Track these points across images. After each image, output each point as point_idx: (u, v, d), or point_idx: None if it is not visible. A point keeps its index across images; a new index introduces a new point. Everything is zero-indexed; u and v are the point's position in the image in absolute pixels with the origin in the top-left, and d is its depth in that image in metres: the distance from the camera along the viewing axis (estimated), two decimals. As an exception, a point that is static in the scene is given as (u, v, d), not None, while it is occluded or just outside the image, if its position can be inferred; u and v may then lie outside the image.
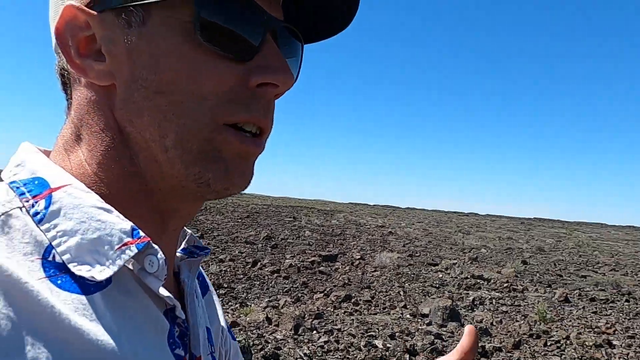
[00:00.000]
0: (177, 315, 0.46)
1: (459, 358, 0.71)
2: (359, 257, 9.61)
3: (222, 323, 0.68)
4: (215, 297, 0.68)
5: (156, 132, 0.43)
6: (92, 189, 0.43)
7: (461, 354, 0.72)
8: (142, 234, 0.42)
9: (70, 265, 0.39)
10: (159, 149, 0.44)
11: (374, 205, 50.36)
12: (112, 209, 0.42)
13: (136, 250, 0.41)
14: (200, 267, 0.65)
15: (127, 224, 0.42)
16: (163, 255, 0.43)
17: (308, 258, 8.93)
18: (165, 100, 0.42)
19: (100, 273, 0.39)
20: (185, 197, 0.47)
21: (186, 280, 0.54)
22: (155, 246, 0.43)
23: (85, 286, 0.39)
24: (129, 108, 0.43)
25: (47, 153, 0.49)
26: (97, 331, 0.37)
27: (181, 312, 0.46)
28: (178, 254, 0.56)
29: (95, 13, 0.42)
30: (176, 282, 0.54)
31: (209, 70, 0.43)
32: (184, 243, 0.59)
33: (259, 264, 8.21)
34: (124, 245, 0.41)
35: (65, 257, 0.39)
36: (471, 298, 6.71)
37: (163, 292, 0.44)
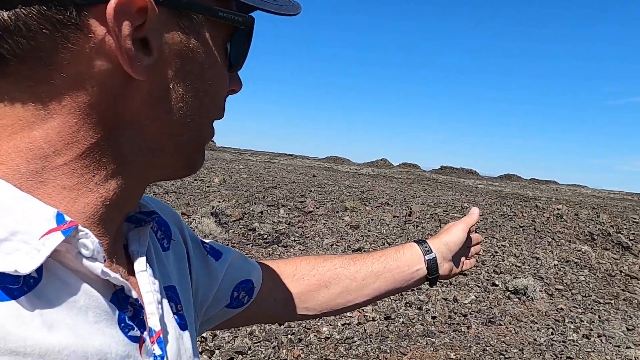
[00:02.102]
0: (127, 294, 0.44)
1: (466, 228, 0.93)
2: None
3: (194, 259, 0.67)
4: (180, 237, 0.66)
5: (178, 129, 0.46)
6: (14, 178, 0.39)
7: (469, 225, 0.94)
8: (67, 218, 0.39)
9: None
10: (171, 142, 0.47)
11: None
12: (30, 195, 0.39)
13: (63, 237, 0.38)
14: (176, 219, 0.67)
15: (50, 211, 0.39)
16: (95, 238, 0.40)
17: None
18: (197, 104, 0.46)
19: (24, 266, 0.35)
20: (151, 182, 0.51)
21: (135, 252, 0.51)
22: (85, 229, 0.40)
23: (10, 291, 0.35)
24: (157, 105, 0.44)
25: None
26: (33, 336, 0.35)
27: (131, 290, 0.44)
28: (125, 225, 0.53)
29: (154, 5, 0.40)
30: (127, 255, 0.51)
31: (226, 82, 0.50)
32: None
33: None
34: (49, 232, 0.37)
35: None
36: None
37: (107, 273, 0.41)
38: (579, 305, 5.41)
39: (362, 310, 4.44)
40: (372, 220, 8.64)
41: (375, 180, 18.65)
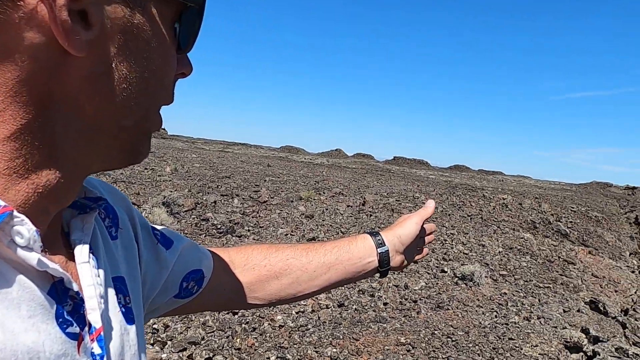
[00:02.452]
0: (67, 287, 0.41)
1: (420, 221, 0.94)
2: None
3: (142, 248, 0.64)
4: (130, 224, 0.62)
5: (122, 111, 0.43)
6: None
7: (423, 218, 0.95)
8: (1, 202, 0.35)
9: None
10: (113, 126, 0.43)
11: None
12: None
13: None
14: (127, 207, 0.63)
15: None
16: (32, 225, 0.37)
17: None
18: (144, 85, 0.43)
19: None
20: (93, 172, 0.47)
21: (77, 241, 0.47)
22: (21, 215, 0.36)
23: None
24: (98, 85, 0.40)
25: None
26: None
27: (71, 282, 0.41)
28: (67, 211, 0.49)
29: None
30: (69, 244, 0.47)
31: (173, 63, 0.47)
32: None
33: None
34: None
35: None
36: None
37: (44, 264, 0.38)
38: (521, 289, 5.71)
39: (316, 298, 4.49)
40: (327, 209, 8.72)
41: (329, 170, 18.78)
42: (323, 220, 7.81)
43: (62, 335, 0.39)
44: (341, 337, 3.80)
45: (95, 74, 0.39)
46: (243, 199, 8.87)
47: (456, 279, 5.63)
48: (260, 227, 7.03)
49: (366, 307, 4.49)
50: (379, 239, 0.89)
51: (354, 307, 4.46)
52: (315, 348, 3.59)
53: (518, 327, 4.47)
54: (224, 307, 0.89)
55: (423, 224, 0.95)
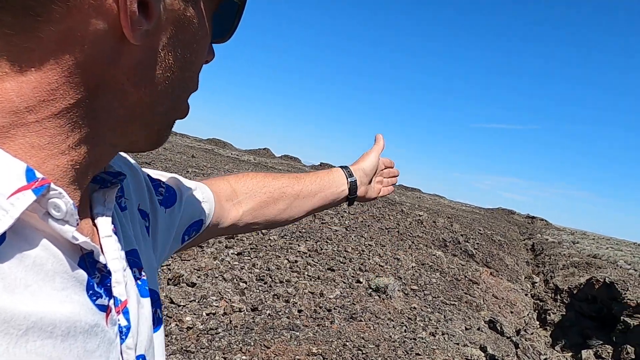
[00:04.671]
0: (96, 259, 0.43)
1: (377, 154, 1.09)
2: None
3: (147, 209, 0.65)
4: (147, 194, 0.65)
5: (160, 99, 0.45)
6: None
7: (379, 151, 1.09)
8: (39, 175, 0.36)
9: None
10: (148, 113, 0.45)
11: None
12: (1, 150, 0.35)
13: (34, 197, 0.35)
14: (135, 172, 0.65)
15: (20, 165, 0.35)
16: (70, 199, 0.38)
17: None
18: (182, 75, 0.46)
19: None
20: (119, 151, 0.49)
21: (100, 215, 0.49)
22: (58, 188, 0.37)
23: None
24: (145, 74, 0.42)
25: None
26: None
27: (100, 254, 0.43)
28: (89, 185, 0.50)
29: None
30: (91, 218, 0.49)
31: (204, 50, 0.48)
32: None
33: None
34: (18, 191, 0.34)
35: None
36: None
37: (77, 237, 0.39)
38: (429, 305, 5.94)
39: (229, 300, 4.34)
40: (249, 208, 8.55)
41: (255, 168, 18.52)
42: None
43: (93, 307, 0.41)
44: (252, 343, 3.67)
45: (144, 63, 0.42)
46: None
47: (370, 290, 5.72)
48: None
49: (280, 313, 4.40)
50: (349, 171, 1.05)
51: (268, 312, 4.35)
52: (224, 354, 3.43)
53: (425, 342, 4.61)
54: (220, 235, 0.95)
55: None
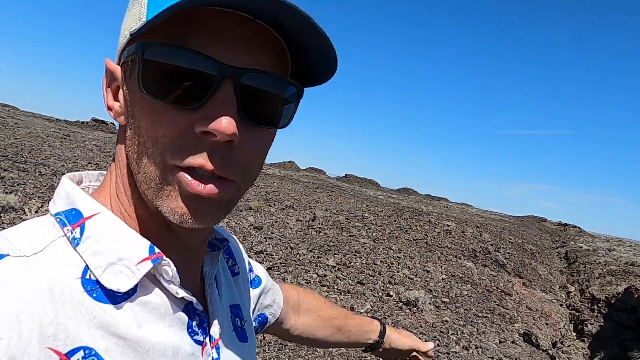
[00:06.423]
0: (195, 307, 0.57)
1: (414, 345, 1.17)
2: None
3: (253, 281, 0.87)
4: (246, 269, 0.82)
5: (135, 168, 0.52)
6: (118, 215, 0.54)
7: (418, 349, 1.15)
8: (157, 250, 0.53)
9: (101, 280, 0.49)
10: (138, 182, 0.53)
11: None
12: (133, 231, 0.53)
13: (152, 265, 0.52)
14: (238, 249, 0.82)
15: (145, 243, 0.53)
16: (174, 267, 0.53)
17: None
18: (137, 141, 0.51)
19: (124, 285, 0.50)
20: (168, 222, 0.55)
21: (207, 273, 0.65)
22: (167, 259, 0.53)
23: (114, 297, 0.50)
24: (129, 147, 0.52)
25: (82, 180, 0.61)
26: (125, 329, 0.49)
27: (198, 304, 0.58)
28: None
29: (117, 65, 0.55)
30: (201, 273, 0.65)
31: (161, 118, 0.48)
32: None
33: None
34: (143, 261, 0.51)
35: (97, 273, 0.49)
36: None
37: (179, 292, 0.55)
38: (461, 317, 5.85)
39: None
40: (276, 222, 8.62)
41: (281, 181, 18.66)
42: (272, 233, 7.70)
43: (190, 340, 0.57)
44: (286, 359, 3.71)
45: (128, 136, 0.53)
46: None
47: (401, 303, 5.68)
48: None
49: (312, 328, 4.42)
50: (382, 331, 1.14)
51: (300, 327, 4.37)
52: (258, 370, 3.47)
53: (458, 357, 4.55)
54: (271, 333, 1.06)
55: (419, 353, 1.15)
